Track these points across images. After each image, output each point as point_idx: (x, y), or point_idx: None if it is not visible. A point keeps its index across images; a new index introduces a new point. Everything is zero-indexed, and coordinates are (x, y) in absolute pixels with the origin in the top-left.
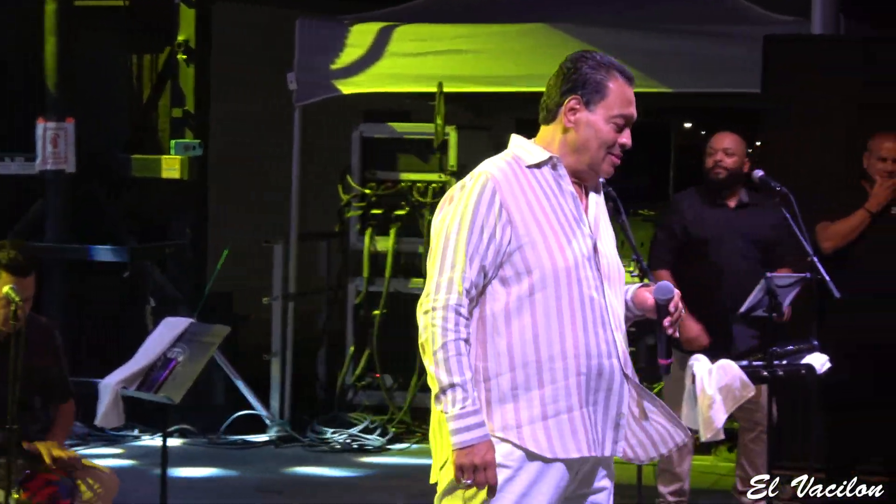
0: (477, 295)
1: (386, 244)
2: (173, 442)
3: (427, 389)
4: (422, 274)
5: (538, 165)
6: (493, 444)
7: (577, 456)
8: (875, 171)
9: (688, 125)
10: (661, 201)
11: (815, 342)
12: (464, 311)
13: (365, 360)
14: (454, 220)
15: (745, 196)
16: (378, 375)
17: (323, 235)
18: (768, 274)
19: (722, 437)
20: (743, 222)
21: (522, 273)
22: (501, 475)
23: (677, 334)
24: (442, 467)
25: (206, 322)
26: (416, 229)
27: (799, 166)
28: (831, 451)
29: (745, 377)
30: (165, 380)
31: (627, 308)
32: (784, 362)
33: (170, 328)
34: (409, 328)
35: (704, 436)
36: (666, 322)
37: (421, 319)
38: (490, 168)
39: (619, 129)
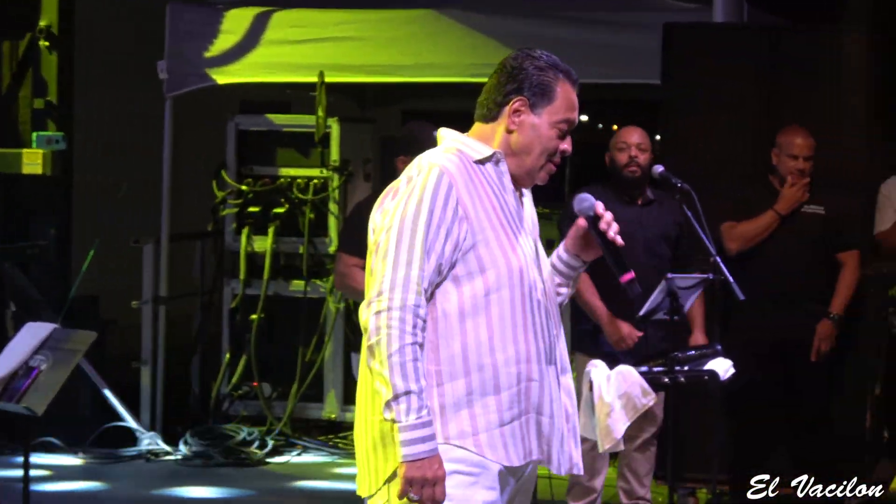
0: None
1: (264, 244)
2: (37, 456)
3: (308, 399)
4: (302, 276)
5: (482, 161)
6: (449, 450)
7: (532, 460)
8: (786, 169)
9: (584, 118)
10: (555, 199)
11: (719, 347)
12: (422, 312)
13: (242, 368)
14: (408, 213)
15: (649, 192)
16: (256, 384)
17: (196, 235)
18: (669, 275)
19: (622, 447)
20: (651, 220)
21: (475, 272)
22: (464, 482)
23: (620, 240)
24: (388, 481)
25: (71, 327)
26: (295, 228)
27: (701, 160)
28: (736, 458)
29: (645, 384)
30: (27, 389)
31: (566, 265)
32: (686, 368)
33: (32, 334)
34: (288, 333)
35: (603, 446)
36: (602, 225)
37: (372, 320)
38: (440, 160)
39: (562, 135)
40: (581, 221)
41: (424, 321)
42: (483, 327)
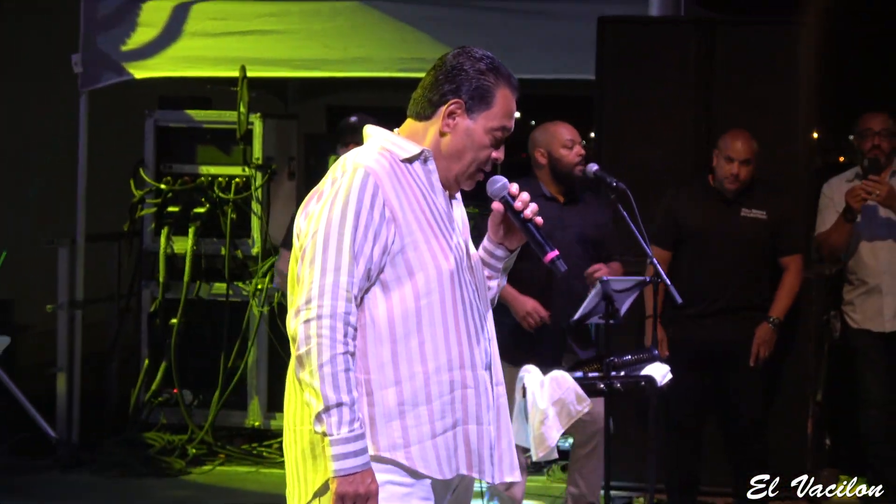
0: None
1: (184, 245)
2: None
3: (231, 406)
4: (224, 279)
5: (410, 160)
6: (381, 461)
7: (464, 473)
8: (722, 172)
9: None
10: (482, 199)
11: (655, 352)
12: (353, 319)
13: (161, 375)
14: (334, 217)
15: (576, 191)
16: (176, 391)
17: (114, 236)
18: (604, 277)
19: (555, 456)
20: (573, 219)
21: (404, 277)
22: (397, 493)
23: (539, 219)
24: (318, 494)
25: None
26: (217, 229)
27: (637, 158)
28: (674, 465)
29: (580, 390)
30: None
31: (492, 255)
32: (622, 374)
33: None
34: (210, 339)
35: (536, 455)
36: (518, 204)
37: (301, 329)
38: (365, 160)
39: (496, 143)
40: (497, 205)
41: (355, 329)
42: (413, 334)
